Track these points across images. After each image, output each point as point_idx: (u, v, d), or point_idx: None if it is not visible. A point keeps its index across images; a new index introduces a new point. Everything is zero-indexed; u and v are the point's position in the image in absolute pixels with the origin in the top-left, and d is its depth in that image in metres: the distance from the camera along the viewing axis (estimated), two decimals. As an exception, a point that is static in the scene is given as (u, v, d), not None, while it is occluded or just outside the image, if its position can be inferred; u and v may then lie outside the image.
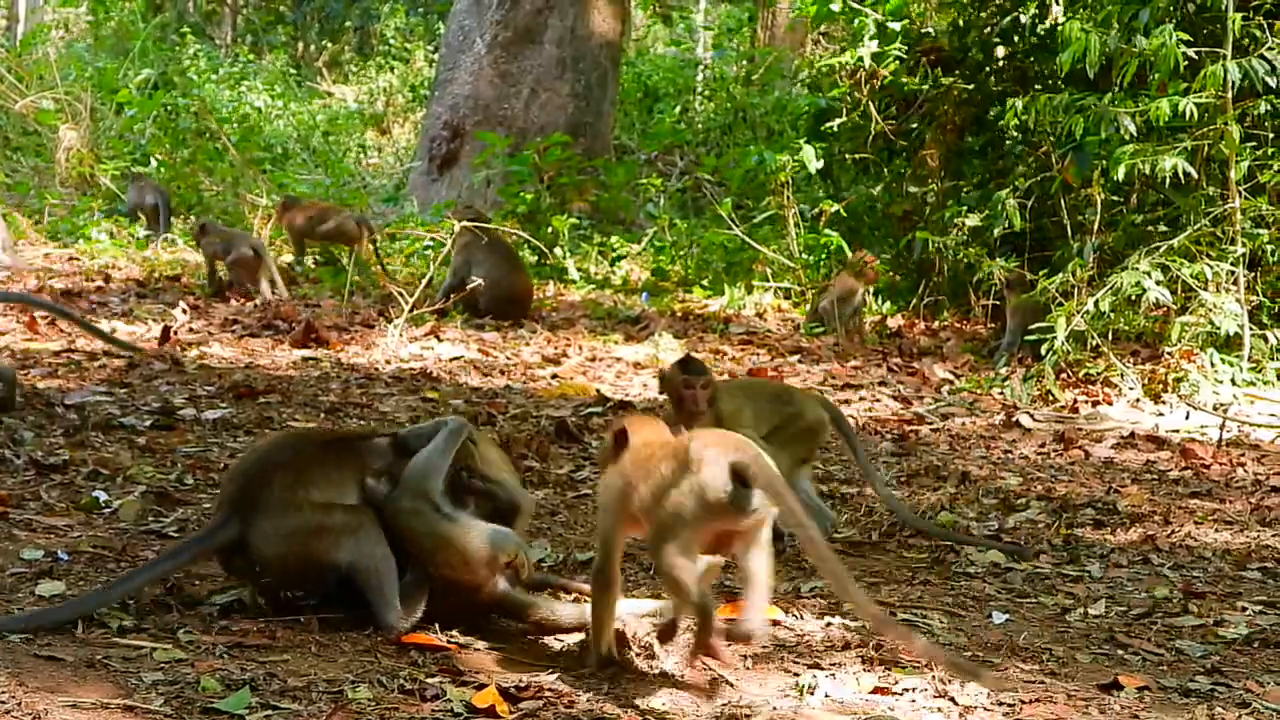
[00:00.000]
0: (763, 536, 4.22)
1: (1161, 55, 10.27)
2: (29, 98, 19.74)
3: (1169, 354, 10.51)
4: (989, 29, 14.24)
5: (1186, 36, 10.38)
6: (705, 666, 4.54)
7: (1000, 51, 14.29)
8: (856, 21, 14.72)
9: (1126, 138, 10.67)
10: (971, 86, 14.02)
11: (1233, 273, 10.54)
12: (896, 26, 14.46)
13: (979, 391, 10.54)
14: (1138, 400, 10.16)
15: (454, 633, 4.63)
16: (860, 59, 14.32)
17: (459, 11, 19.37)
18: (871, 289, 13.51)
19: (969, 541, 6.42)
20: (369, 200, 19.31)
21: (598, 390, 9.54)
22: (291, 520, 4.62)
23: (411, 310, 11.52)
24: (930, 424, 9.42)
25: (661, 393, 6.26)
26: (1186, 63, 10.36)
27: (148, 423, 7.58)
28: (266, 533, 4.61)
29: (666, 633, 4.44)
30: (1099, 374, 10.57)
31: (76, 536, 5.53)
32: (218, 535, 4.66)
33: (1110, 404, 10.12)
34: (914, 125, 14.51)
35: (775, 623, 5.03)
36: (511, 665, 4.45)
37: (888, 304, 14.28)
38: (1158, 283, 10.22)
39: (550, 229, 15.63)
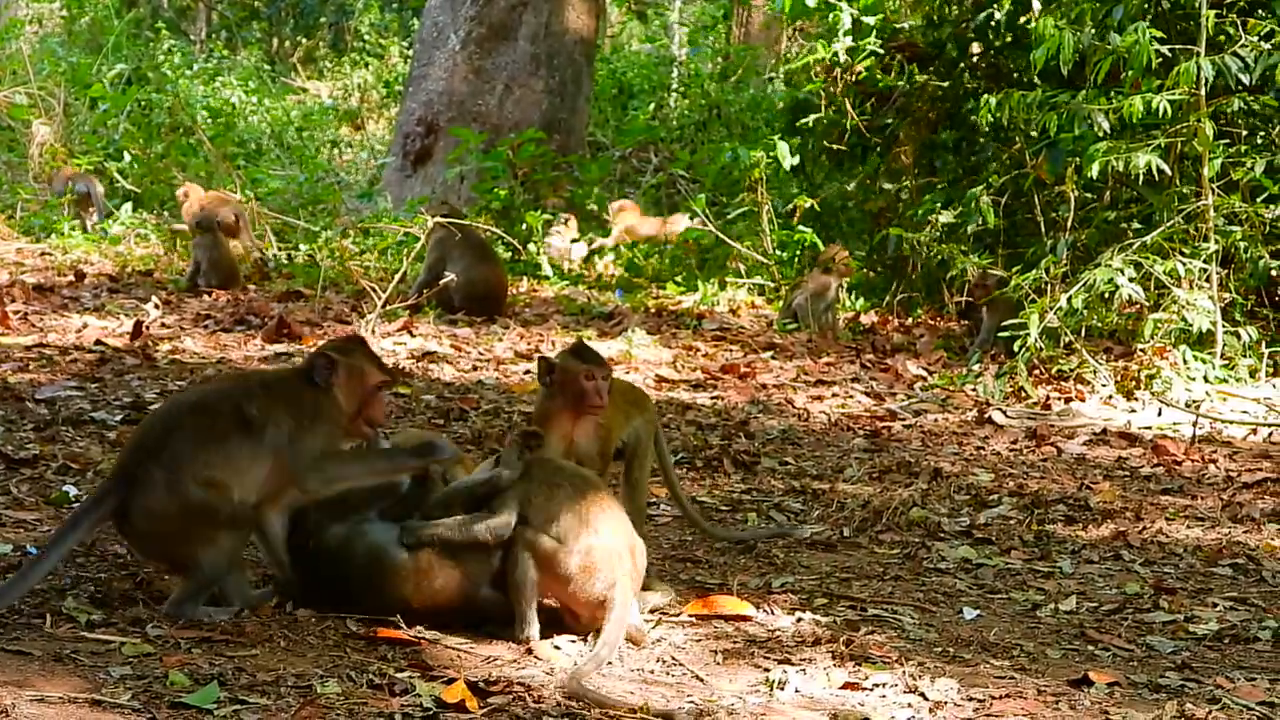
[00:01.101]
0: (613, 614, 4.53)
1: (1135, 52, 10.29)
2: (2, 92, 19.65)
3: (1142, 351, 10.53)
4: (963, 25, 14.25)
5: (1160, 34, 10.40)
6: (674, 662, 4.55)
7: (974, 48, 14.30)
8: (831, 15, 14.70)
9: (1100, 135, 10.69)
10: (946, 83, 14.02)
11: (1205, 270, 10.56)
12: (871, 21, 14.44)
13: (952, 388, 10.54)
14: (1110, 397, 10.18)
15: (421, 627, 4.62)
16: (835, 53, 14.31)
17: (433, 7, 19.30)
18: (845, 285, 13.50)
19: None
20: (343, 196, 19.23)
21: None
22: (174, 501, 4.53)
23: (385, 305, 11.50)
24: (903, 420, 9.43)
25: (549, 384, 5.25)
26: (1160, 60, 10.38)
27: (119, 418, 7.55)
28: (147, 510, 4.53)
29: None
30: (1072, 370, 10.58)
31: (46, 531, 5.50)
32: (102, 506, 4.57)
33: (1083, 400, 10.14)
34: (888, 121, 14.51)
35: (746, 618, 5.03)
36: (481, 660, 4.44)
37: (861, 300, 14.29)
38: (1131, 279, 10.24)
39: (524, 225, 15.62)
